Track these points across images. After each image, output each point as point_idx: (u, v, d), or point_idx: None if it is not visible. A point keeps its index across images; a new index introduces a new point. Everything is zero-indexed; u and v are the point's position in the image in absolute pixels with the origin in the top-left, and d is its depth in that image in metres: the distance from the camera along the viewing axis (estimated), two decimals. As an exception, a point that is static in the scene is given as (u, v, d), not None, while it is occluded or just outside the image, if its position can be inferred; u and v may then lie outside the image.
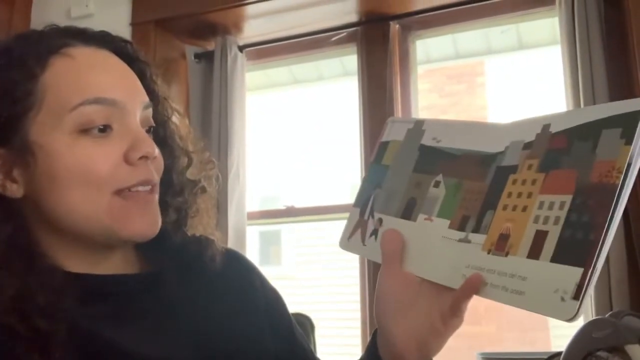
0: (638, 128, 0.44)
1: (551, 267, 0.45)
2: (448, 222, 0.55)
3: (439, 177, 0.57)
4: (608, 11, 1.51)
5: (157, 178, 0.60)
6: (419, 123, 0.62)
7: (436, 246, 0.55)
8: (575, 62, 1.50)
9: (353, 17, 1.91)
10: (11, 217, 0.56)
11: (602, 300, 1.37)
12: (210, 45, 2.01)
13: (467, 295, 0.51)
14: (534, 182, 0.49)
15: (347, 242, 0.64)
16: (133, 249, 0.66)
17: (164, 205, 0.64)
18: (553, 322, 4.68)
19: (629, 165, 0.44)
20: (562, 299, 0.44)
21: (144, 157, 0.58)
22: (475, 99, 5.44)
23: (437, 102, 5.32)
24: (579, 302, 0.43)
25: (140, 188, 0.58)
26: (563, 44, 1.55)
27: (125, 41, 0.66)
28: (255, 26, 1.98)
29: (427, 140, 0.60)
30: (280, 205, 2.04)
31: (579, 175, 0.46)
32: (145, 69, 0.65)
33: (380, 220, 0.61)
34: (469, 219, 0.53)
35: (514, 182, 0.51)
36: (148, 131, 0.62)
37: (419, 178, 0.59)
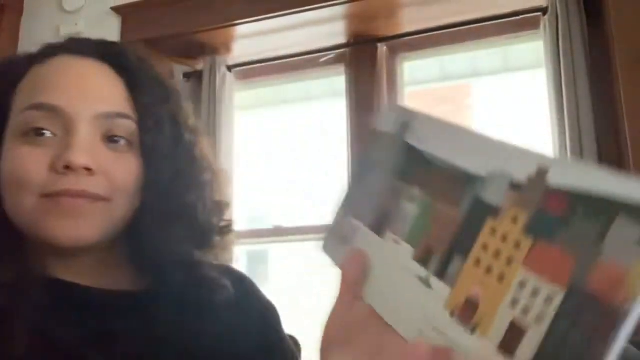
0: None
1: None
2: (412, 251, 0.43)
3: (415, 190, 0.46)
4: (592, 35, 1.54)
5: (94, 190, 0.57)
6: (410, 115, 0.50)
7: (396, 278, 0.44)
8: (560, 85, 1.52)
9: (341, 39, 1.93)
10: None
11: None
12: (199, 65, 2.02)
13: None
14: (517, 245, 0.37)
15: (325, 245, 0.54)
16: (130, 268, 0.64)
17: (145, 221, 0.61)
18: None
19: None
20: None
21: (68, 167, 0.56)
22: (462, 121, 5.49)
23: (425, 123, 5.36)
24: None
25: (63, 198, 0.56)
26: (548, 67, 1.57)
27: (119, 51, 0.65)
28: (244, 46, 1.99)
29: (412, 139, 0.48)
30: (268, 225, 2.04)
31: (576, 266, 0.33)
32: (138, 81, 0.63)
33: (354, 229, 0.50)
34: (433, 254, 0.42)
35: (493, 231, 0.39)
36: (114, 142, 0.60)
37: (397, 185, 0.48)
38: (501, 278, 0.37)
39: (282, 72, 2.06)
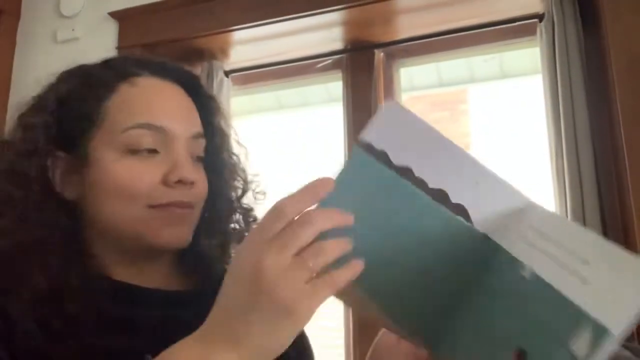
0: None
1: None
2: None
3: None
4: (588, 41, 1.55)
5: (193, 200, 0.66)
6: None
7: None
8: (556, 91, 1.52)
9: (338, 45, 1.94)
10: (66, 215, 0.64)
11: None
12: (196, 70, 2.02)
13: None
14: None
15: None
16: (176, 270, 0.71)
17: (209, 228, 0.71)
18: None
19: None
20: None
21: (180, 182, 0.64)
22: (458, 127, 5.50)
23: (421, 129, 5.36)
24: None
25: (173, 207, 0.64)
26: (544, 73, 1.58)
27: (192, 76, 0.74)
28: (242, 52, 2.00)
29: None
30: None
31: None
32: (206, 103, 0.72)
33: None
34: None
35: None
36: (197, 159, 0.68)
37: None
38: None
39: (279, 78, 2.06)
